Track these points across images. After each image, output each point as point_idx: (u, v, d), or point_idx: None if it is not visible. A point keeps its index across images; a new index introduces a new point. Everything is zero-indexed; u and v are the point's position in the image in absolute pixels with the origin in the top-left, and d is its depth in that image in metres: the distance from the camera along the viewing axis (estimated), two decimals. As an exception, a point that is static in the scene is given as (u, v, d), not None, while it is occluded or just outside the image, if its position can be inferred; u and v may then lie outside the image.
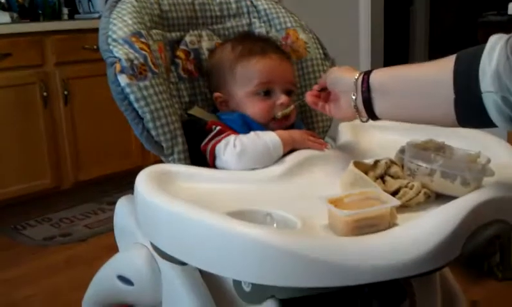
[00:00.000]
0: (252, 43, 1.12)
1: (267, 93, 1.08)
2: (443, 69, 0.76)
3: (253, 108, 1.08)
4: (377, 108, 0.87)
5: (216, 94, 1.12)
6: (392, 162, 0.87)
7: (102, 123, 2.94)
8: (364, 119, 0.91)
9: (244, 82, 1.09)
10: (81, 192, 2.94)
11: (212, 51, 1.18)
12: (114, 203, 2.91)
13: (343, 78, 0.92)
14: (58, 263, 2.26)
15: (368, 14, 3.27)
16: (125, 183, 2.97)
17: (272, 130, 1.04)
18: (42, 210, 2.79)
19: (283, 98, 1.08)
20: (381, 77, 0.86)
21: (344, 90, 0.91)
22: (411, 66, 0.84)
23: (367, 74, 0.87)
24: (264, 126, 1.07)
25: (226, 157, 0.98)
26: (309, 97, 1.02)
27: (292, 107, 1.09)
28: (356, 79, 0.88)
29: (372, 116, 0.88)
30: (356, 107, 0.89)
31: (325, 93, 1.00)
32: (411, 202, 0.80)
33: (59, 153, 2.83)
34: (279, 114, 1.08)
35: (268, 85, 1.08)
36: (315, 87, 1.03)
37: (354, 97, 0.88)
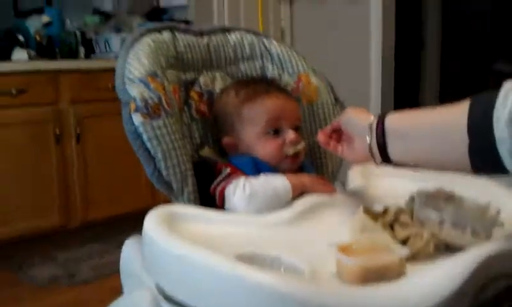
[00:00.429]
0: (255, 85, 1.14)
1: (276, 132, 1.09)
2: (457, 114, 0.76)
3: (264, 148, 1.09)
4: (392, 151, 0.87)
5: (225, 140, 1.13)
6: (402, 210, 0.87)
7: (113, 163, 2.96)
8: (378, 162, 0.91)
9: (253, 123, 1.10)
10: (89, 231, 2.93)
11: (216, 98, 1.19)
12: (120, 245, 2.90)
13: (358, 121, 0.93)
14: (61, 306, 2.24)
15: (379, 57, 3.30)
16: (133, 224, 2.96)
17: (283, 169, 1.05)
18: (48, 248, 2.78)
19: (292, 135, 1.09)
20: (396, 120, 0.87)
21: (359, 132, 0.92)
22: (425, 111, 0.85)
23: (381, 117, 0.88)
24: (274, 169, 1.07)
25: (236, 199, 0.98)
26: (321, 137, 1.02)
27: (303, 143, 1.10)
28: (372, 121, 0.89)
29: (386, 159, 0.89)
30: (370, 150, 0.89)
31: (337, 134, 1.01)
32: (420, 252, 0.79)
33: (69, 191, 2.84)
34: (290, 150, 1.09)
35: (277, 122, 1.09)
36: (328, 127, 1.04)
37: (368, 140, 0.89)
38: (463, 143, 0.75)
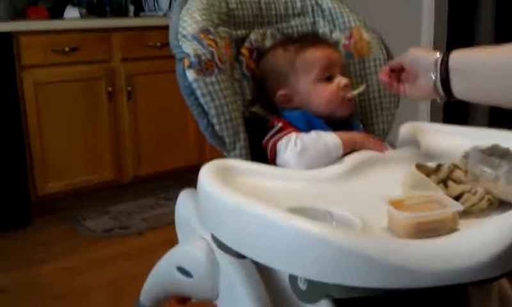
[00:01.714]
0: (301, 40, 1.16)
1: (329, 78, 1.12)
2: None
3: (320, 94, 1.11)
4: (455, 89, 0.90)
5: (280, 92, 1.14)
6: (455, 167, 0.86)
7: (162, 120, 3.02)
8: (441, 99, 0.94)
9: (307, 72, 1.11)
10: (140, 186, 3.04)
11: (260, 56, 1.20)
12: (171, 199, 2.99)
13: (423, 58, 0.95)
14: (116, 255, 2.34)
15: (432, 15, 3.20)
16: (182, 179, 3.04)
17: (337, 116, 1.10)
18: (102, 202, 2.90)
19: (344, 80, 1.12)
20: (460, 58, 0.89)
21: (424, 69, 0.94)
22: (490, 49, 0.87)
23: (446, 54, 0.90)
24: (325, 124, 1.08)
25: (287, 154, 0.99)
26: (384, 76, 1.04)
27: (364, 86, 1.14)
28: (437, 59, 0.91)
29: (450, 95, 0.91)
30: (435, 86, 0.92)
31: (396, 74, 1.03)
32: (473, 208, 0.79)
33: (121, 147, 2.93)
34: (347, 94, 1.11)
35: (329, 69, 1.12)
36: (386, 68, 1.05)
37: (433, 77, 0.91)
38: None
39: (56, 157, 2.71)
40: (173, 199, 2.94)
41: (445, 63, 0.90)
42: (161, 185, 3.09)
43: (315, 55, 1.12)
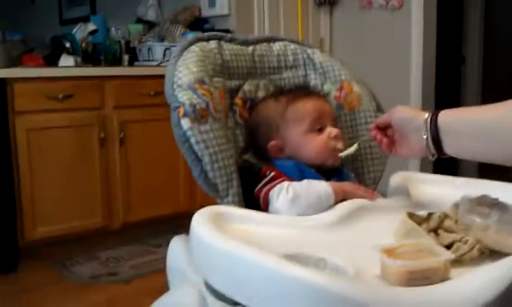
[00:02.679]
0: (293, 92, 1.20)
1: (320, 129, 1.14)
2: (510, 111, 0.81)
3: (311, 144, 1.13)
4: (446, 146, 0.92)
5: (271, 143, 1.16)
6: (446, 216, 0.88)
7: (153, 167, 3.03)
8: (433, 157, 0.96)
9: (297, 123, 1.14)
10: (129, 232, 3.01)
11: (253, 106, 1.22)
12: (160, 245, 2.96)
13: (413, 117, 0.97)
14: (103, 303, 2.30)
15: (420, 68, 3.28)
16: (172, 226, 3.03)
17: (328, 166, 1.12)
18: (91, 247, 2.87)
19: (335, 131, 1.15)
20: (449, 117, 0.92)
21: (414, 128, 0.96)
22: (478, 108, 0.89)
23: (434, 114, 0.93)
24: (317, 174, 1.09)
25: (279, 202, 1.01)
26: (375, 132, 1.06)
27: (355, 146, 1.14)
28: (426, 118, 0.93)
29: (441, 153, 0.94)
30: (427, 145, 0.94)
31: (383, 131, 1.05)
32: (464, 257, 0.80)
33: (111, 193, 2.92)
34: (340, 154, 1.13)
35: (320, 121, 1.15)
36: (373, 124, 1.08)
37: (425, 136, 0.93)
38: None
39: (46, 203, 2.70)
40: (163, 245, 2.93)
41: (434, 123, 0.92)
42: (151, 231, 3.06)
43: (306, 106, 1.15)
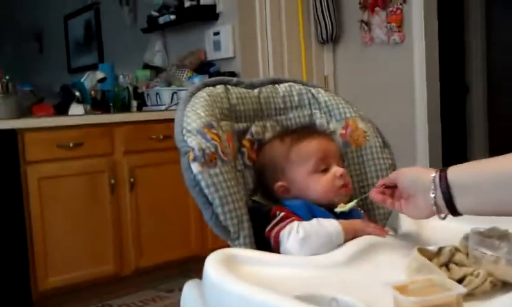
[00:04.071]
0: (298, 132, 1.21)
1: (324, 170, 1.15)
2: None
3: (316, 185, 1.14)
4: (460, 204, 0.88)
5: (278, 184, 1.17)
6: (456, 250, 0.88)
7: (164, 211, 3.04)
8: (444, 216, 0.93)
9: (302, 164, 1.15)
10: (141, 278, 3.00)
11: (260, 147, 1.24)
12: (172, 290, 2.94)
13: (419, 178, 0.94)
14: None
15: (424, 101, 3.30)
16: (184, 270, 3.03)
17: (336, 203, 1.11)
18: (104, 295, 2.86)
19: (340, 170, 1.15)
20: (461, 173, 0.88)
21: (422, 189, 0.93)
22: (489, 161, 0.86)
23: (443, 171, 0.90)
24: (326, 211, 1.10)
25: (290, 243, 1.02)
26: (376, 195, 1.04)
27: (353, 203, 1.13)
28: (434, 177, 0.90)
29: (454, 212, 0.90)
30: (436, 204, 0.90)
31: (390, 190, 1.03)
32: (477, 290, 0.80)
33: (123, 239, 2.93)
34: (341, 182, 1.14)
35: (324, 161, 1.16)
36: (379, 183, 1.05)
37: (433, 195, 0.90)
38: None
39: (58, 251, 2.71)
40: (175, 290, 2.91)
41: (444, 181, 0.89)
42: (163, 276, 3.05)
43: (310, 146, 1.17)
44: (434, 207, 0.91)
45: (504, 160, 0.83)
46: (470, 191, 0.86)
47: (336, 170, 1.15)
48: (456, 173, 0.88)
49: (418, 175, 0.95)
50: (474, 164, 0.88)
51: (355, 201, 1.14)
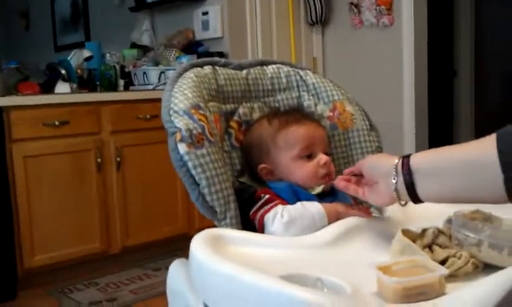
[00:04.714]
0: (286, 115, 1.21)
1: (309, 156, 1.15)
2: (486, 150, 0.78)
3: (299, 171, 1.14)
4: (421, 190, 0.88)
5: (261, 166, 1.18)
6: (440, 232, 0.89)
7: (151, 190, 3.05)
8: (404, 202, 0.93)
9: (287, 149, 1.16)
10: (128, 257, 3.02)
11: (248, 128, 1.24)
12: (159, 269, 2.96)
13: (381, 164, 0.94)
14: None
15: (412, 84, 3.32)
16: (171, 249, 3.04)
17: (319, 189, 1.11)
18: (90, 273, 2.87)
19: (324, 158, 1.15)
20: (423, 159, 0.88)
21: (383, 175, 0.92)
22: (450, 149, 0.86)
23: (406, 157, 0.89)
24: (310, 194, 1.11)
25: (275, 227, 1.03)
26: (340, 182, 1.04)
27: (322, 187, 1.14)
28: (397, 163, 0.90)
29: (415, 198, 0.89)
30: (396, 190, 0.90)
31: (356, 178, 1.02)
32: (459, 271, 0.82)
33: (109, 217, 2.93)
34: (324, 170, 1.14)
35: (310, 148, 1.16)
36: (347, 171, 1.05)
37: (394, 181, 0.90)
38: (496, 178, 0.77)
39: (44, 230, 2.71)
40: (162, 269, 2.93)
41: (406, 167, 0.88)
42: (150, 255, 3.07)
43: (297, 133, 1.16)
44: (394, 193, 0.90)
45: (467, 148, 0.82)
46: (431, 178, 0.86)
47: (320, 158, 1.15)
48: (418, 159, 0.88)
49: (381, 161, 0.95)
50: (437, 151, 0.87)
51: (323, 185, 1.14)
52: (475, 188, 0.81)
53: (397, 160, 0.90)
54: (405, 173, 0.88)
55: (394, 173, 0.89)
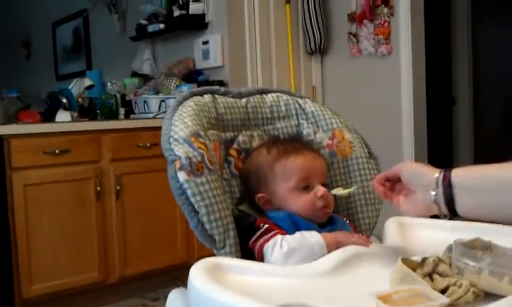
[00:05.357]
0: (285, 144, 1.20)
1: (306, 188, 1.15)
2: None
3: (296, 203, 1.14)
4: (460, 205, 0.89)
5: (259, 195, 1.18)
6: (440, 260, 0.89)
7: (150, 219, 3.03)
8: (443, 216, 0.93)
9: (285, 180, 1.15)
10: (126, 286, 2.98)
11: (248, 156, 1.25)
12: (158, 299, 2.93)
13: (422, 174, 0.95)
14: None
15: (411, 112, 3.33)
16: (170, 278, 3.01)
17: (318, 220, 1.11)
18: (88, 303, 2.84)
19: (322, 190, 1.14)
20: (465, 175, 0.90)
21: (423, 185, 0.93)
22: (494, 167, 0.87)
23: (448, 171, 0.91)
24: (310, 224, 1.11)
25: (274, 257, 1.02)
26: (379, 187, 1.03)
27: (352, 189, 1.16)
28: (438, 176, 0.91)
29: (453, 213, 0.91)
30: (437, 203, 0.91)
31: (390, 184, 1.03)
32: (459, 301, 0.81)
33: (108, 246, 2.91)
34: (334, 191, 1.15)
35: (307, 180, 1.15)
36: (381, 176, 1.04)
37: (434, 193, 0.91)
38: None
39: (42, 258, 2.69)
40: (161, 298, 2.90)
41: (447, 180, 0.89)
42: (148, 284, 3.04)
43: (296, 163, 1.16)
44: (434, 205, 0.91)
45: (506, 167, 0.84)
46: (472, 194, 0.87)
47: (318, 189, 1.15)
48: (459, 174, 0.90)
49: (422, 171, 0.95)
50: (479, 168, 0.89)
51: (355, 187, 1.16)
52: None
53: (437, 174, 0.91)
54: (445, 187, 0.90)
55: (435, 185, 0.91)
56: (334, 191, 1.16)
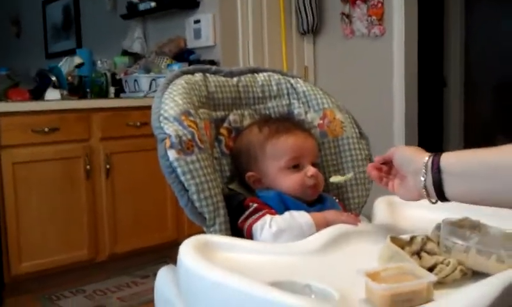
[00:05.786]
0: (277, 123, 1.20)
1: (296, 166, 1.15)
2: None
3: (286, 181, 1.14)
4: (449, 190, 0.88)
5: (249, 174, 1.18)
6: (428, 239, 0.89)
7: (140, 197, 3.03)
8: (433, 200, 0.92)
9: (275, 159, 1.15)
10: (116, 264, 2.99)
11: (238, 135, 1.24)
12: (147, 276, 2.94)
13: (412, 159, 0.94)
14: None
15: (402, 93, 3.33)
16: (159, 256, 3.02)
17: (308, 198, 1.12)
18: (77, 281, 2.84)
19: (312, 170, 1.15)
20: (454, 159, 0.88)
21: (413, 171, 0.93)
22: (483, 151, 0.85)
23: (437, 156, 0.89)
24: (299, 203, 1.11)
25: (263, 237, 1.03)
26: (373, 171, 1.04)
27: (350, 175, 1.17)
28: (426, 161, 0.90)
29: (442, 198, 0.90)
30: (425, 188, 0.90)
31: (387, 167, 1.03)
32: (447, 278, 0.82)
33: (98, 224, 2.91)
34: (311, 181, 1.14)
35: (297, 159, 1.15)
36: (378, 159, 1.04)
37: (423, 179, 0.90)
38: None
39: (32, 236, 2.68)
40: (150, 276, 2.91)
41: (436, 165, 0.88)
42: (138, 262, 3.05)
43: (287, 143, 1.16)
44: (423, 191, 0.90)
45: (497, 151, 0.83)
46: (461, 179, 0.86)
47: (308, 169, 1.15)
48: (448, 159, 0.88)
49: (413, 156, 0.94)
50: (468, 153, 0.87)
51: (352, 174, 1.17)
52: (504, 193, 0.81)
53: (427, 158, 0.90)
54: (434, 172, 0.88)
55: (424, 170, 0.90)
56: (332, 179, 1.16)
